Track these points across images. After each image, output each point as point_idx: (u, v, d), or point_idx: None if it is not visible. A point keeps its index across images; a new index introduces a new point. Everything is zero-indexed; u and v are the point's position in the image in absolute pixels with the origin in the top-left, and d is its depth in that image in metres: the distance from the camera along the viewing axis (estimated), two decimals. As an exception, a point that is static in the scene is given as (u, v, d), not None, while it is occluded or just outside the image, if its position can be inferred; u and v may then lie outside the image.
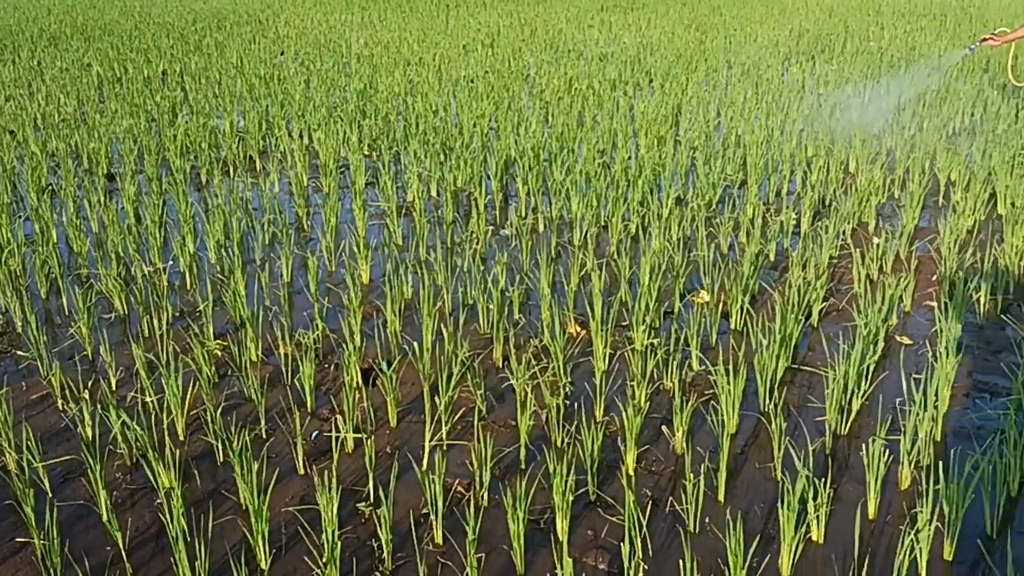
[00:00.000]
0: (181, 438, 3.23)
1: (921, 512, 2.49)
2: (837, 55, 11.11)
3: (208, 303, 4.13)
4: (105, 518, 2.72)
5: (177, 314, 4.27)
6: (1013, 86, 8.46)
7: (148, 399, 3.42)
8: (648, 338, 3.83)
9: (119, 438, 3.11)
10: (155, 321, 4.03)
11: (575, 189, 5.54)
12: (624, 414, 3.06)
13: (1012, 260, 4.58)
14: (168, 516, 2.69)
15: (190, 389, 3.45)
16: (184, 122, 7.76)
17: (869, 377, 3.43)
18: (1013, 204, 5.38)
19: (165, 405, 3.31)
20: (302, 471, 3.03)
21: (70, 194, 5.66)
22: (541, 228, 5.41)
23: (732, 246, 5.05)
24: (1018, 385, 3.30)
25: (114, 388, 3.58)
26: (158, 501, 2.86)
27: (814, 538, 2.66)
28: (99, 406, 3.39)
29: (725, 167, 6.26)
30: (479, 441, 3.08)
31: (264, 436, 3.24)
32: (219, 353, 3.84)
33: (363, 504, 2.84)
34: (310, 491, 2.91)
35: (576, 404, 3.43)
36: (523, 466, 3.05)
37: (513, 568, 2.57)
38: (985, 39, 7.04)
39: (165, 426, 3.19)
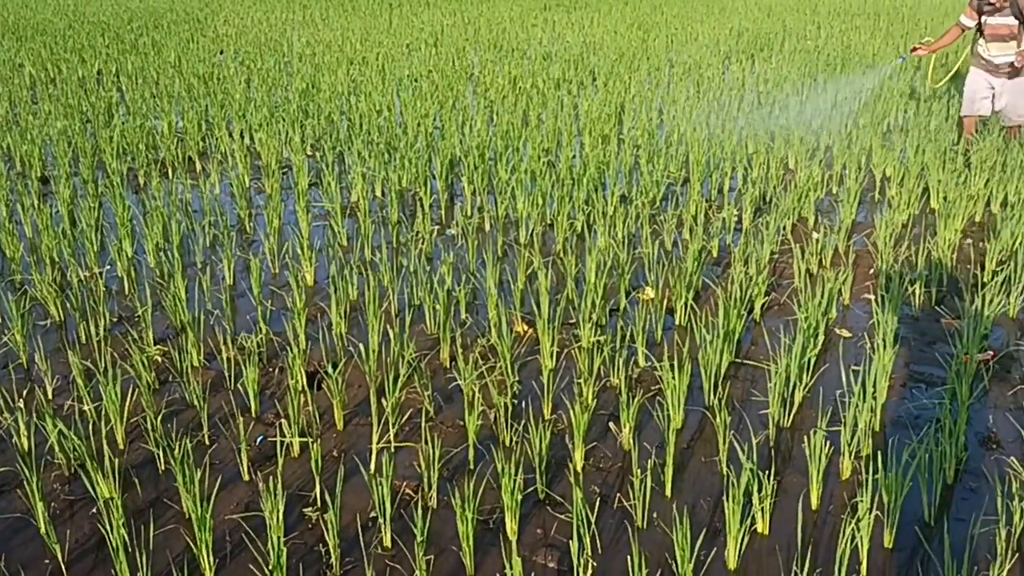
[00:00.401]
0: (121, 447, 3.16)
1: (861, 501, 2.54)
2: (776, 53, 11.31)
3: (147, 308, 4.04)
4: (43, 531, 2.65)
5: (115, 320, 4.17)
6: (931, 86, 8.77)
7: (86, 407, 3.33)
8: (595, 335, 3.85)
9: (56, 448, 3.03)
10: (92, 327, 3.94)
11: (521, 188, 5.55)
12: (572, 412, 3.07)
13: (945, 253, 4.71)
14: (108, 527, 2.62)
15: (129, 396, 3.37)
16: (120, 123, 7.59)
17: (810, 370, 3.49)
18: (945, 198, 5.53)
19: (104, 413, 3.23)
20: (247, 477, 2.98)
21: (2, 198, 5.49)
22: (487, 227, 5.40)
23: (676, 243, 5.11)
24: (952, 375, 3.39)
25: (50, 397, 3.48)
26: (97, 511, 2.79)
27: (759, 530, 2.70)
28: (35, 415, 3.29)
29: (668, 165, 6.32)
30: (427, 442, 3.06)
31: (207, 442, 3.18)
32: (159, 359, 3.76)
33: (310, 509, 2.81)
34: (255, 497, 2.86)
35: (524, 403, 3.43)
36: (472, 466, 3.05)
37: (463, 569, 2.56)
38: (915, 49, 7.26)
39: (104, 435, 3.12)
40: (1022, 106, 6.69)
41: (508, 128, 7.21)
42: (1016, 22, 6.39)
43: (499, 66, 10.50)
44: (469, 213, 5.61)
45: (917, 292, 4.27)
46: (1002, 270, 4.46)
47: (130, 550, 2.61)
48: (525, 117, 7.95)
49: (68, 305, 4.24)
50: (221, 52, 12.13)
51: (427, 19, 15.56)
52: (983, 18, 6.55)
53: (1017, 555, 2.58)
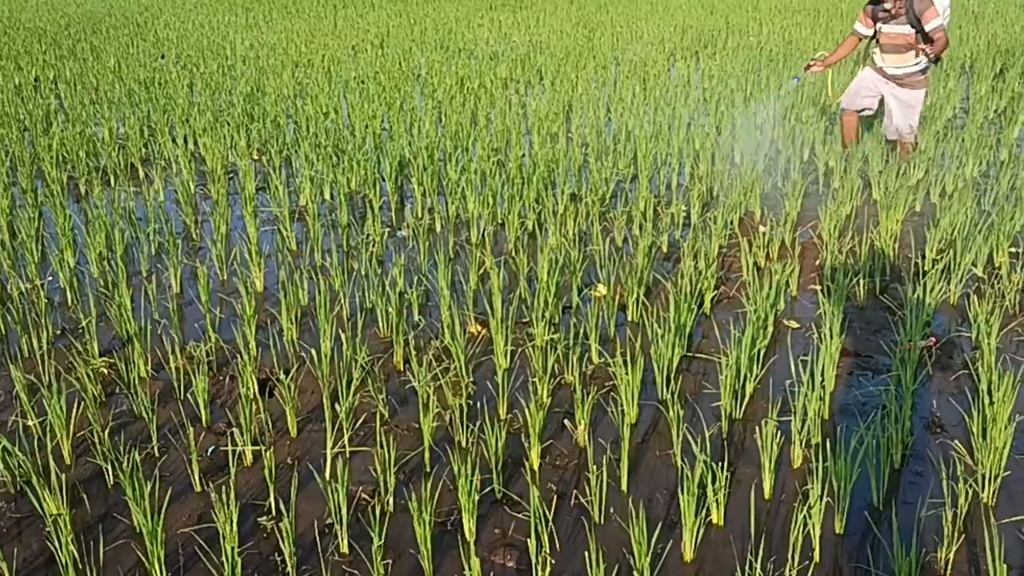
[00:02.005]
0: (68, 462, 3.09)
1: (812, 489, 2.59)
2: (720, 50, 11.45)
3: (92, 319, 3.95)
4: (-13, 551, 2.58)
5: (58, 332, 4.08)
6: (832, 100, 8.24)
7: (30, 422, 3.25)
8: (548, 333, 3.86)
9: (0, 466, 2.95)
10: (35, 340, 3.84)
11: (471, 188, 5.54)
12: (527, 410, 3.07)
13: (887, 243, 4.81)
14: (57, 544, 2.56)
15: (75, 410, 3.29)
16: (59, 131, 7.41)
17: (760, 361, 3.54)
18: (886, 190, 5.65)
19: (49, 428, 3.15)
20: (199, 488, 2.93)
21: (-65, 210, 5.33)
22: (438, 228, 5.39)
23: (626, 239, 5.15)
24: (897, 362, 3.47)
25: (-8, 413, 3.39)
26: (46, 529, 2.73)
27: (714, 520, 2.74)
28: (-24, 433, 3.20)
29: (617, 162, 6.36)
30: (382, 446, 3.05)
31: (157, 455, 3.13)
32: (105, 371, 3.68)
33: (265, 518, 2.78)
34: (208, 509, 2.82)
35: (479, 403, 3.43)
36: (428, 469, 3.04)
37: (421, 572, 2.56)
38: (809, 66, 6.63)
39: (50, 450, 3.04)
40: (907, 120, 6.24)
41: (457, 128, 7.19)
42: (913, 31, 5.91)
43: (446, 66, 10.48)
44: (420, 214, 5.59)
45: (862, 282, 4.36)
46: (942, 258, 4.57)
47: (80, 567, 2.56)
48: (474, 117, 7.95)
49: (9, 318, 4.14)
50: (162, 56, 11.92)
51: (372, 20, 15.46)
52: (878, 25, 6.10)
53: (963, 536, 2.65)
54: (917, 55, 5.99)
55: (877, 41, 6.19)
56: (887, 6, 5.93)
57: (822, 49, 10.41)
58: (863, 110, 6.49)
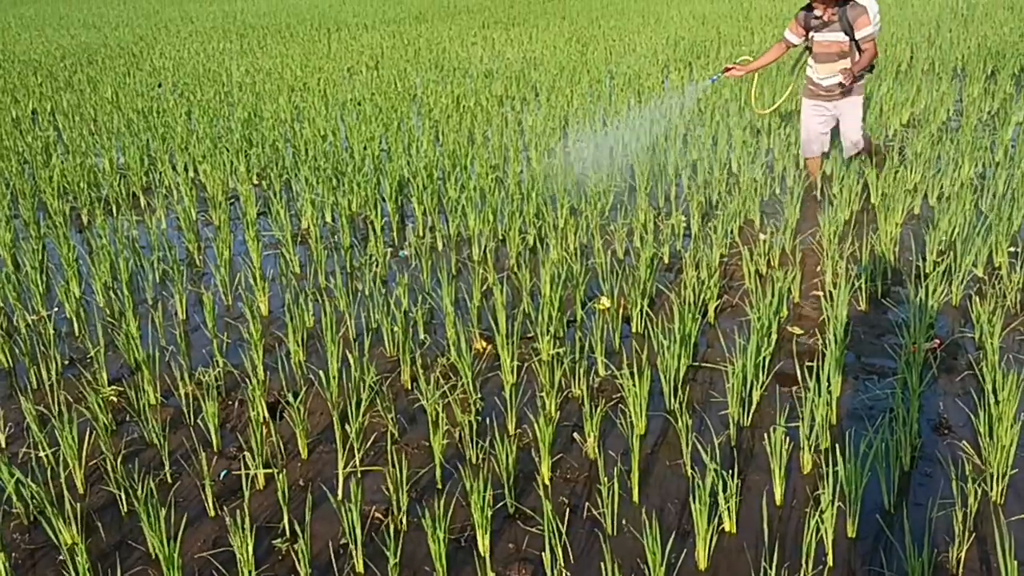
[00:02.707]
0: (81, 491, 3.10)
1: (823, 494, 2.60)
2: (712, 60, 11.52)
3: (100, 348, 3.98)
4: (4, 583, 2.59)
5: (67, 362, 4.10)
6: (757, 114, 7.91)
7: (42, 453, 3.27)
8: (554, 348, 3.88)
9: (14, 497, 2.96)
10: (44, 371, 3.86)
11: (471, 205, 5.58)
12: (536, 425, 3.09)
13: (887, 247, 4.84)
14: (73, 573, 2.57)
15: (87, 439, 3.31)
16: (59, 162, 7.46)
17: (766, 369, 3.56)
18: (884, 194, 5.68)
19: (61, 458, 3.17)
20: (212, 513, 2.95)
21: (-60, 245, 5.36)
22: (440, 246, 5.42)
23: (628, 251, 5.17)
24: (902, 365, 3.49)
25: (4, 445, 3.41)
26: (61, 558, 2.74)
27: (727, 528, 2.75)
28: (-11, 465, 3.21)
29: (615, 175, 6.40)
30: (393, 465, 3.06)
31: (170, 480, 3.14)
32: (115, 399, 3.70)
33: (279, 540, 2.79)
34: (223, 533, 2.83)
35: (488, 419, 3.45)
36: (440, 486, 3.05)
37: (437, 589, 2.56)
38: (728, 69, 6.31)
39: (63, 480, 3.06)
40: (855, 129, 5.93)
41: (455, 147, 7.24)
42: (846, 39, 5.62)
43: (442, 86, 10.54)
44: (421, 233, 5.62)
45: (863, 286, 4.38)
46: (942, 260, 4.60)
47: (97, 595, 2.57)
48: (471, 135, 7.99)
49: (17, 350, 4.16)
50: (159, 85, 12.00)
51: (366, 42, 15.56)
52: (811, 34, 5.76)
53: (973, 536, 2.66)
54: (852, 63, 5.70)
55: (810, 51, 5.89)
56: (818, 13, 5.63)
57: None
58: (823, 152, 6.20)
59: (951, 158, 6.37)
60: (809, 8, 5.72)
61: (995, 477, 2.85)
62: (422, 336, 4.18)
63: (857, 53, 5.68)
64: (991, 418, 3.03)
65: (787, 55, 6.71)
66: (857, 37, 5.58)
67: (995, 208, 5.10)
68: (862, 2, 5.59)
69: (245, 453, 3.23)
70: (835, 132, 6.19)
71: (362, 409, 3.29)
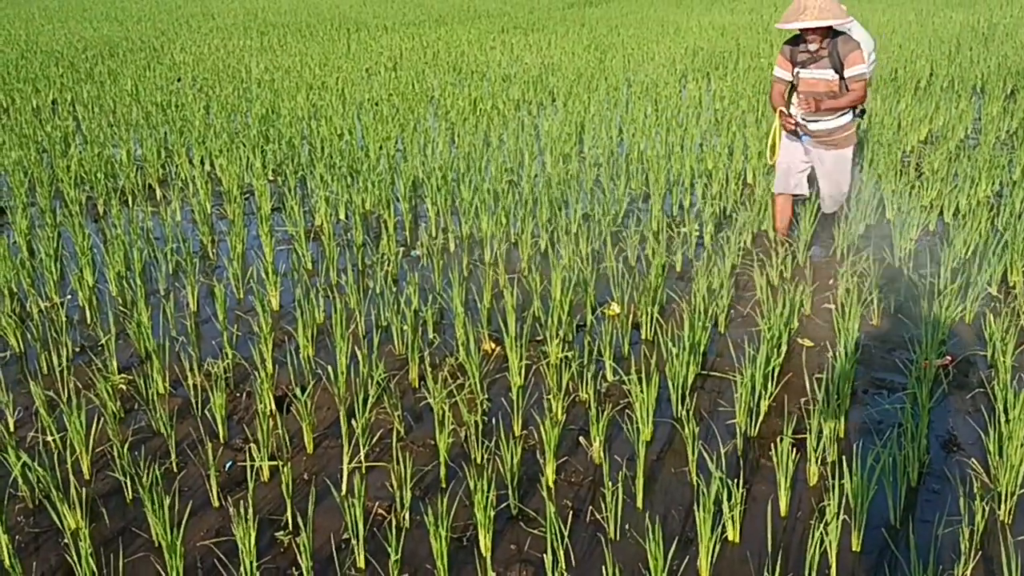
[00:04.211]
0: (87, 477, 3.11)
1: (829, 506, 2.59)
2: (731, 71, 11.51)
3: (111, 336, 3.99)
4: (8, 563, 2.60)
5: (78, 349, 4.12)
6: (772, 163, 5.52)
7: (50, 438, 3.28)
8: (562, 351, 3.88)
9: (20, 480, 2.98)
10: (54, 357, 3.88)
11: (484, 208, 5.58)
12: (542, 427, 3.09)
13: (902, 262, 4.81)
14: (76, 557, 2.58)
15: (95, 426, 3.32)
16: (78, 152, 7.51)
17: (775, 379, 3.55)
18: (899, 209, 5.66)
19: (68, 443, 3.18)
20: (216, 503, 2.95)
21: (-43, 229, 5.40)
22: (452, 247, 5.42)
23: (639, 258, 5.16)
24: (912, 381, 3.47)
25: (12, 429, 3.43)
26: (65, 542, 2.75)
27: (730, 537, 2.74)
28: (-4, 448, 3.23)
29: (629, 182, 6.40)
30: (398, 462, 3.06)
31: (175, 469, 3.15)
32: (124, 387, 3.71)
33: (282, 533, 2.79)
34: (226, 523, 2.84)
35: (494, 420, 3.44)
36: (444, 484, 3.05)
37: (438, 587, 2.56)
38: (785, 117, 5.05)
39: (69, 465, 3.07)
40: (841, 187, 5.10)
41: (470, 149, 7.25)
42: (837, 77, 4.78)
43: (459, 88, 10.57)
44: (434, 234, 5.63)
45: (876, 301, 4.36)
46: (956, 277, 4.57)
47: (99, 581, 2.58)
48: (486, 138, 8.00)
49: (29, 336, 4.18)
50: (179, 79, 12.06)
51: (386, 43, 15.61)
52: (796, 70, 4.90)
53: (980, 554, 2.64)
54: (843, 108, 4.84)
55: (795, 88, 5.01)
56: (811, 47, 4.76)
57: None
58: (798, 192, 5.29)
59: (968, 175, 6.33)
60: (796, 41, 4.90)
61: (1003, 496, 2.83)
62: (431, 335, 4.18)
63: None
64: (1001, 436, 3.01)
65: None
66: (846, 75, 4.77)
67: (1011, 227, 5.07)
68: (858, 36, 4.93)
69: (251, 445, 3.23)
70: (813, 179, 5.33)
71: (369, 405, 3.29)
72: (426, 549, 2.68)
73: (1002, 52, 12.77)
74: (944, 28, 16.15)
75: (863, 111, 5.06)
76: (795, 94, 5.02)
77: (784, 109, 5.06)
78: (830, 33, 4.75)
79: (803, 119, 4.96)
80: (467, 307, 4.45)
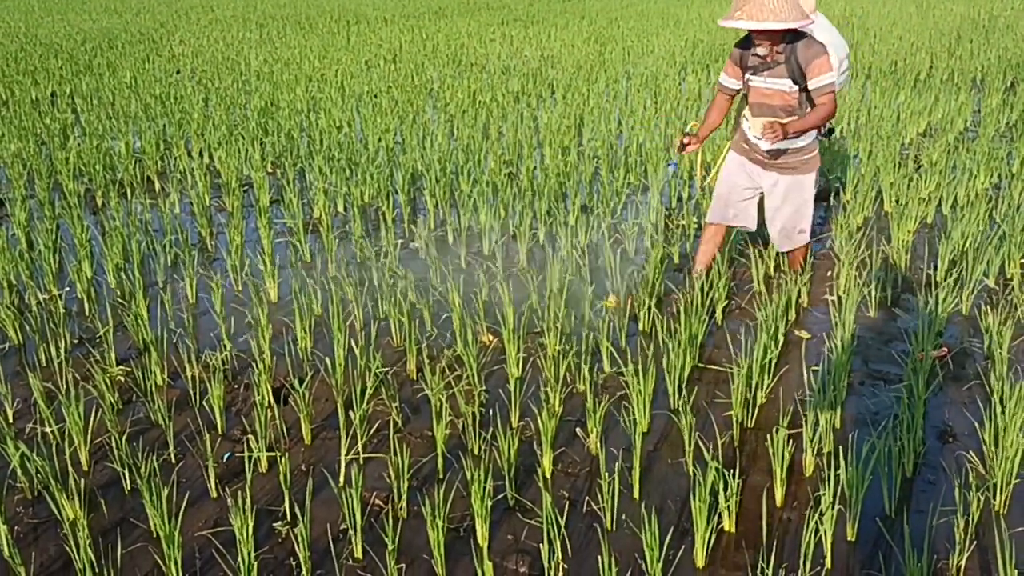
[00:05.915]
0: (85, 468, 3.12)
1: (824, 496, 2.60)
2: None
3: (109, 328, 4.00)
4: (7, 554, 2.61)
5: (76, 341, 4.13)
6: (708, 185, 5.32)
7: (48, 429, 3.29)
8: (560, 343, 3.88)
9: (18, 471, 2.99)
10: (53, 349, 3.89)
11: (483, 200, 5.58)
12: (539, 418, 3.09)
13: (899, 254, 4.82)
14: (75, 548, 2.59)
15: (93, 417, 3.34)
16: (76, 144, 7.50)
17: (771, 371, 3.55)
18: (897, 201, 5.66)
19: (67, 434, 3.19)
20: (215, 494, 2.96)
21: (-45, 221, 5.40)
22: (450, 239, 5.42)
23: (637, 250, 5.17)
24: (908, 372, 3.48)
25: (11, 420, 3.44)
26: (63, 533, 2.76)
27: (726, 527, 2.75)
28: (-5, 440, 3.24)
29: (628, 175, 6.40)
30: (396, 453, 3.07)
31: (173, 460, 3.16)
32: (122, 379, 3.72)
33: (280, 523, 2.80)
34: (224, 514, 2.85)
35: (491, 411, 3.45)
36: (441, 475, 3.06)
37: (435, 577, 2.57)
38: (683, 146, 4.40)
39: (68, 456, 3.08)
40: (798, 221, 4.32)
41: (469, 141, 7.25)
42: (795, 88, 3.95)
43: (458, 81, 10.55)
44: (432, 226, 5.63)
45: (873, 293, 4.36)
46: (954, 269, 4.58)
47: (97, 570, 2.59)
48: (485, 130, 8.00)
49: (27, 327, 4.19)
50: (178, 72, 12.05)
51: (385, 36, 15.59)
52: (747, 76, 4.10)
53: (975, 544, 2.65)
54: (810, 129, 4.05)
55: (746, 99, 4.25)
56: (761, 52, 3.96)
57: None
58: (736, 224, 4.50)
59: (966, 168, 6.33)
60: (747, 44, 4.08)
61: (999, 486, 2.84)
62: (429, 327, 4.19)
63: (809, 109, 4.03)
64: (996, 428, 3.02)
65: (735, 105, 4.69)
66: (810, 86, 3.91)
67: (1009, 219, 5.08)
68: (823, 39, 4.24)
69: (249, 436, 3.24)
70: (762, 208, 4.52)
71: (367, 397, 3.30)
72: (423, 539, 2.69)
73: (1002, 44, 12.76)
74: (944, 20, 16.13)
75: (831, 129, 4.43)
76: (746, 107, 4.26)
77: (692, 133, 4.40)
78: (787, 36, 3.90)
79: (755, 139, 4.19)
80: (465, 299, 4.46)
